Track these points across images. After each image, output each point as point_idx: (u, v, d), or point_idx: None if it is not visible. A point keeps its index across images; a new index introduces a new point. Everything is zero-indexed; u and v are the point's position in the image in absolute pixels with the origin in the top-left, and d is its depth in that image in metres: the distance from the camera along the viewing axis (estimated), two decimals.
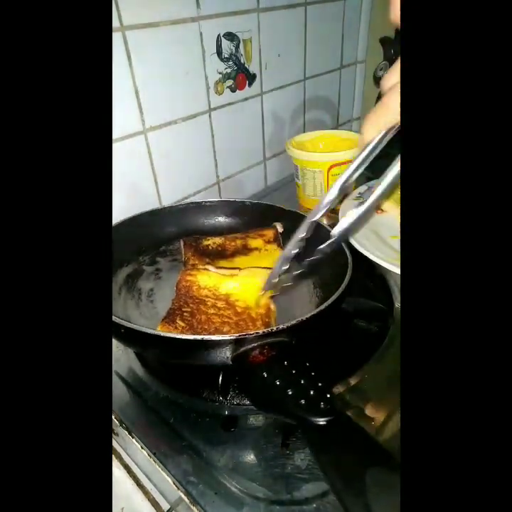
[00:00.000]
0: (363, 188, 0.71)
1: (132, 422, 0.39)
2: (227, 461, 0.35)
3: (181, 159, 0.66)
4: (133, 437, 0.38)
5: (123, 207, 0.60)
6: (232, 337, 0.33)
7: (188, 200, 0.60)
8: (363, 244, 0.56)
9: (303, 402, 0.27)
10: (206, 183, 0.72)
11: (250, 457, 0.35)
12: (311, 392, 0.28)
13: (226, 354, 0.34)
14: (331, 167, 0.67)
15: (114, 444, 0.44)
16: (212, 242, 0.57)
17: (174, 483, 0.34)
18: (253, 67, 0.70)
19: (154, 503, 0.40)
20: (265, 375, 0.30)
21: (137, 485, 0.42)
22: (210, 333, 0.40)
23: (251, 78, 0.70)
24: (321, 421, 0.26)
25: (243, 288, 0.46)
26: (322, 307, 0.37)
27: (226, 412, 0.39)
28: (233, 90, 0.68)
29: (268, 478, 0.33)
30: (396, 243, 0.57)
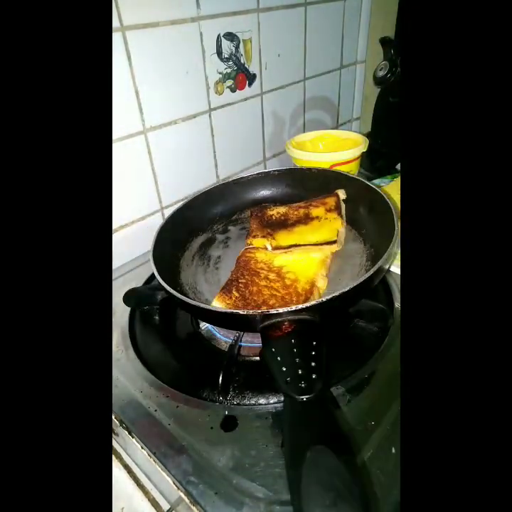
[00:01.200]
0: None
1: (132, 422, 0.39)
2: (227, 461, 0.35)
3: (181, 159, 0.66)
4: (133, 437, 0.38)
5: (123, 207, 0.61)
6: (256, 312, 0.37)
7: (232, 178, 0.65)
8: None
9: (288, 379, 0.31)
10: (206, 183, 0.72)
11: (250, 457, 0.35)
12: (299, 372, 0.31)
13: (256, 325, 0.38)
14: (331, 167, 0.67)
15: (114, 444, 0.44)
16: (276, 211, 0.61)
17: (174, 483, 0.34)
18: (253, 67, 0.70)
19: (154, 503, 0.40)
20: (273, 350, 0.34)
21: (137, 485, 0.42)
22: (258, 304, 0.45)
23: (251, 78, 0.70)
24: (298, 398, 0.30)
25: (295, 261, 0.51)
26: (346, 289, 0.37)
27: (226, 412, 0.39)
28: (233, 90, 0.68)
29: (268, 478, 0.33)
30: None
